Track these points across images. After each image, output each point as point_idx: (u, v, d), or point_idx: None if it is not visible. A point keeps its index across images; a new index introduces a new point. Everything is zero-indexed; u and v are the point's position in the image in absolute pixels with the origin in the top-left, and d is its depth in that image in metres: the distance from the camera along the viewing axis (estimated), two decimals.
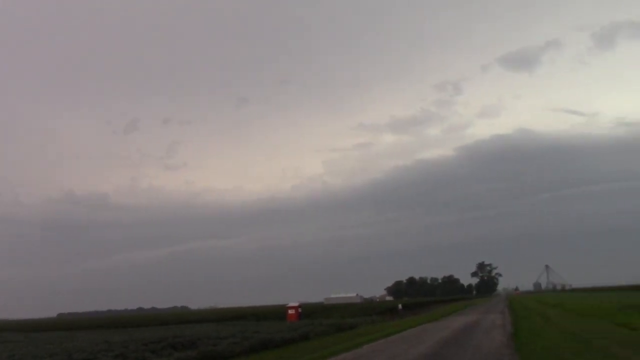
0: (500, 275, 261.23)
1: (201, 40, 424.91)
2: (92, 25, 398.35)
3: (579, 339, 22.88)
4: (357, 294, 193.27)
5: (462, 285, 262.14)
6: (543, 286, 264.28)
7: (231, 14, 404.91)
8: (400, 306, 75.92)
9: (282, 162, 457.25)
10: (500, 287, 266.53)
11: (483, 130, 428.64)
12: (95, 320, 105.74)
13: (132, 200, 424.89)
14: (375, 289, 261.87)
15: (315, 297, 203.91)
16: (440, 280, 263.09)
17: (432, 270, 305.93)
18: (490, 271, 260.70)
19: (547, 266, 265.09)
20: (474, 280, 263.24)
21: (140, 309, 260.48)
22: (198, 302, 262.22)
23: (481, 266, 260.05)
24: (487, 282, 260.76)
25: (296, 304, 63.23)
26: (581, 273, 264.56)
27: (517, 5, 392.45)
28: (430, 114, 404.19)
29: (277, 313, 70.32)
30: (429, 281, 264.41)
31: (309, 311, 70.01)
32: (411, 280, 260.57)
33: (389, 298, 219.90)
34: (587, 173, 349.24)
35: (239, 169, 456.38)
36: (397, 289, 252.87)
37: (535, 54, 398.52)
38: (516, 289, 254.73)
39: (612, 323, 28.87)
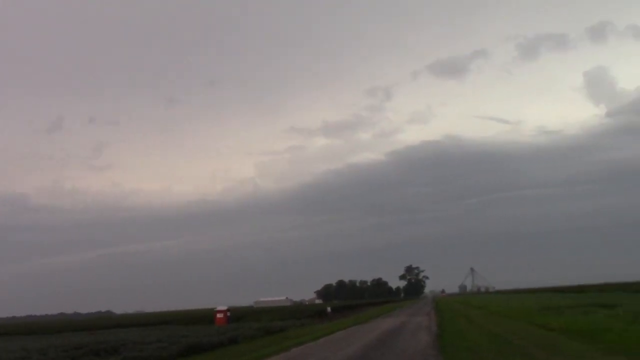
0: (427, 277, 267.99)
1: (129, 39, 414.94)
2: (12, 18, 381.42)
3: (500, 340, 23.68)
4: (286, 297, 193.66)
5: (391, 288, 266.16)
6: (468, 288, 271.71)
7: (160, 13, 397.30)
8: (329, 309, 76.29)
9: (213, 164, 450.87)
10: (427, 290, 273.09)
11: (413, 135, 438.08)
12: (12, 326, 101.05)
13: (55, 202, 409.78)
14: (305, 292, 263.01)
15: (245, 300, 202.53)
16: (369, 283, 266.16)
17: (362, 273, 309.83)
18: (417, 274, 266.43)
19: (472, 269, 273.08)
20: (402, 283, 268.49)
21: (61, 314, 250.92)
22: (124, 306, 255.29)
23: (409, 269, 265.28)
24: (414, 285, 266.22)
25: (225, 308, 62.61)
26: (505, 275, 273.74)
27: (447, 14, 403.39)
28: (362, 119, 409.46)
29: (205, 317, 69.30)
30: (358, 284, 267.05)
31: (238, 315, 69.32)
32: (341, 283, 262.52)
33: (318, 301, 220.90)
34: (512, 179, 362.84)
35: (168, 171, 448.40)
36: (326, 292, 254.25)
37: (464, 62, 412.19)
38: (442, 291, 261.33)
39: (532, 324, 30.01)
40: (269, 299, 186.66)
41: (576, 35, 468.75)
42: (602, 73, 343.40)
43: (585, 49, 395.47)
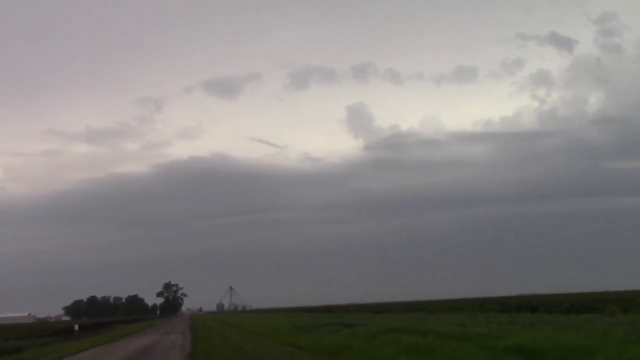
0: (185, 295, 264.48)
1: None
2: None
3: (250, 357, 24.30)
4: (29, 314, 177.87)
5: (147, 305, 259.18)
6: (226, 307, 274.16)
7: None
8: (76, 327, 71.53)
9: None
10: (184, 307, 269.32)
11: (181, 150, 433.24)
12: None
13: None
14: (53, 308, 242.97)
15: None
16: (124, 300, 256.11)
17: (117, 289, 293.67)
18: (176, 291, 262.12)
19: (231, 287, 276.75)
20: (160, 300, 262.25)
21: None
22: None
23: (167, 286, 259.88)
24: (172, 302, 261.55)
25: None
26: (262, 294, 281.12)
27: (225, 34, 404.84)
28: (129, 128, 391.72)
29: None
30: (112, 300, 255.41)
31: None
32: (93, 299, 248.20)
33: (66, 318, 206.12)
34: (275, 200, 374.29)
35: None
36: (76, 309, 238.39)
37: (238, 83, 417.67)
38: (200, 309, 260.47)
39: (283, 342, 31.32)
40: (7, 315, 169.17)
41: (342, 71, 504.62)
42: (362, 109, 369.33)
43: (349, 85, 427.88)
